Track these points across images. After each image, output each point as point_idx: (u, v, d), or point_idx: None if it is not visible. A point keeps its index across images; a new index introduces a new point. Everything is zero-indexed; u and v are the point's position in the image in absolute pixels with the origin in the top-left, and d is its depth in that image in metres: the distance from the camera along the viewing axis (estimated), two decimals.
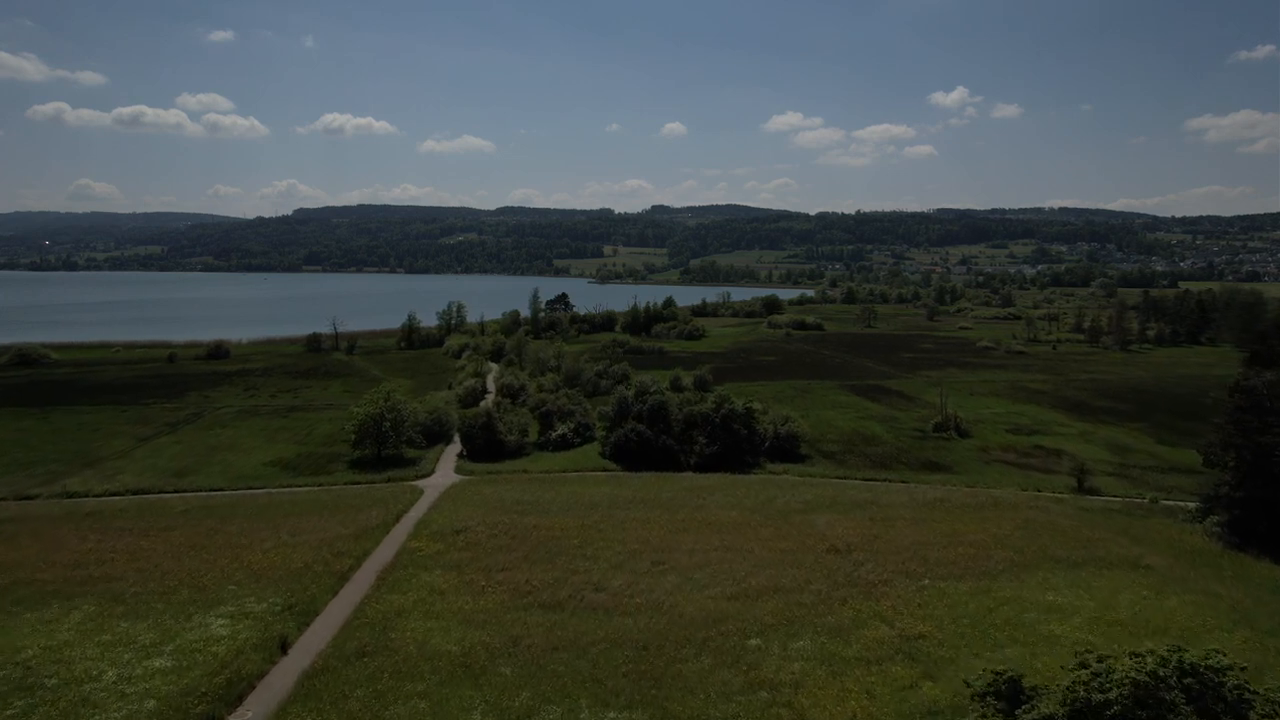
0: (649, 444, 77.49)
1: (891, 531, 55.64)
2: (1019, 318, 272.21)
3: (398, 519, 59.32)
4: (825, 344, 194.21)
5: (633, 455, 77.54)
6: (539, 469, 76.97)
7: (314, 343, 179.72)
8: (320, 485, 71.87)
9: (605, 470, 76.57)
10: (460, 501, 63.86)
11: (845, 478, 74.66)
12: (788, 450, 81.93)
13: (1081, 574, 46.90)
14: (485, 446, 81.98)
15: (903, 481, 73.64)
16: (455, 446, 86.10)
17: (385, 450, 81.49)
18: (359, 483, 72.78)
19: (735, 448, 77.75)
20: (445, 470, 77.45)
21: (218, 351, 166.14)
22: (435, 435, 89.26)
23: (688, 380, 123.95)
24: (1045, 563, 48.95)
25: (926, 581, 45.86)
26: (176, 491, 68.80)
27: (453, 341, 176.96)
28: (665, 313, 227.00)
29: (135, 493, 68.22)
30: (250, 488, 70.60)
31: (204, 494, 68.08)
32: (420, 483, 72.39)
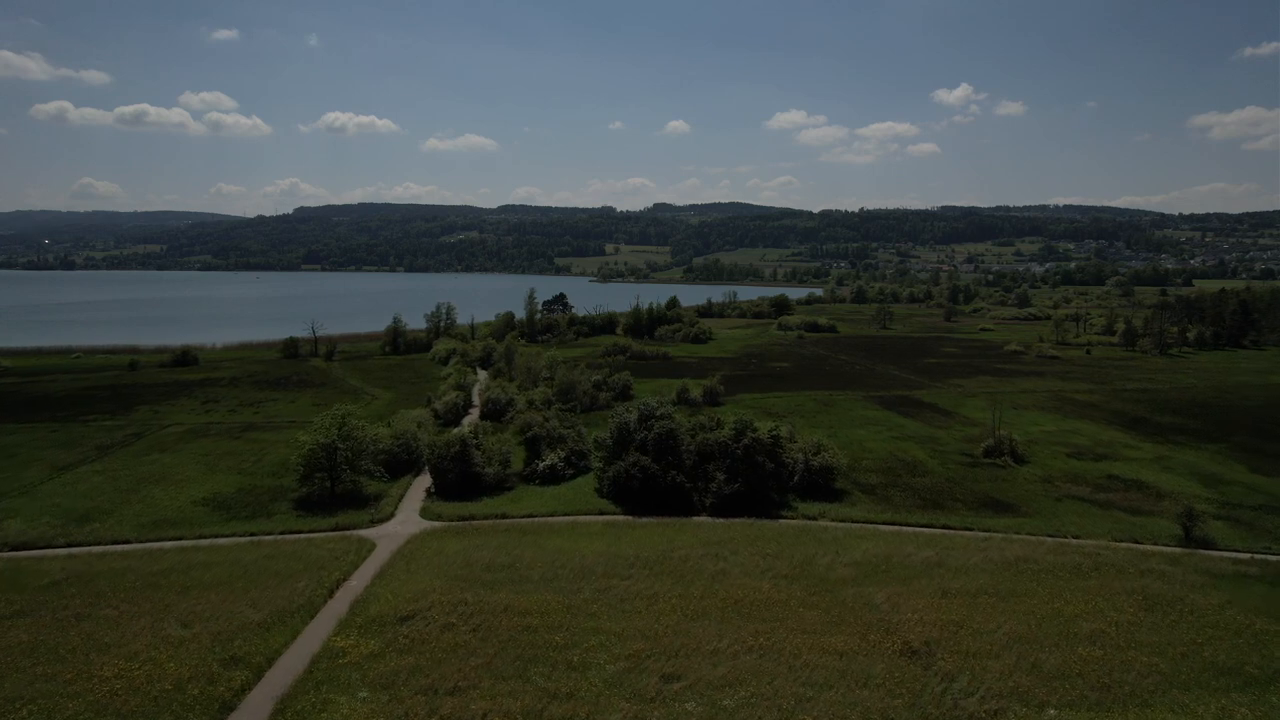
0: (655, 480, 63.81)
1: (977, 616, 42.06)
2: (1040, 318, 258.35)
3: (331, 593, 45.82)
4: (841, 348, 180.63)
5: (635, 495, 63.86)
6: (521, 511, 63.34)
7: (291, 348, 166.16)
8: (251, 535, 58.26)
9: (602, 514, 62.87)
10: (416, 565, 50.28)
11: (895, 524, 60.97)
12: (821, 485, 68.29)
13: (1273, 699, 33.31)
14: (459, 481, 68.43)
15: (966, 529, 59.98)
16: (425, 478, 72.59)
17: (339, 486, 68.00)
18: (299, 531, 59.16)
19: (760, 484, 64.13)
20: (408, 513, 63.84)
21: (184, 358, 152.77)
22: (403, 464, 75.74)
23: (697, 392, 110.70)
24: (1209, 675, 35.36)
25: (1053, 712, 32.31)
26: (68, 546, 55.24)
27: (440, 346, 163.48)
28: (669, 314, 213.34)
29: (16, 548, 54.53)
30: (163, 539, 57.02)
31: (100, 549, 54.50)
32: (374, 532, 58.84)
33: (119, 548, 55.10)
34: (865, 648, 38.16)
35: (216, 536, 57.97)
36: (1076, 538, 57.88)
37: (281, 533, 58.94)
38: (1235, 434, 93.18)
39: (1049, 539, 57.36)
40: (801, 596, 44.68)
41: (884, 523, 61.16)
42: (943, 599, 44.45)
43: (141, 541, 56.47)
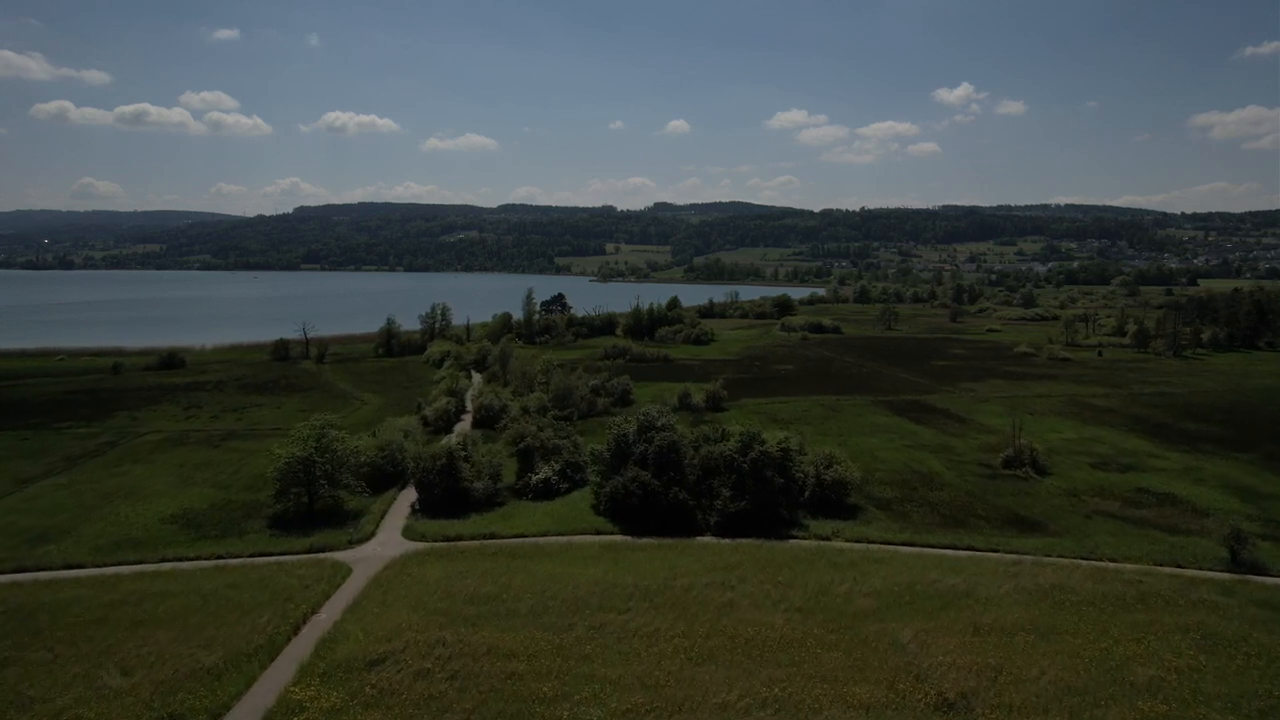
0: (656, 498, 59.23)
1: (1016, 658, 37.50)
2: (1047, 318, 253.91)
3: (297, 629, 41.30)
4: (846, 349, 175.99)
5: (634, 513, 59.26)
6: (512, 531, 58.76)
7: (281, 350, 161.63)
8: (219, 558, 53.76)
9: (599, 533, 58.31)
10: (393, 596, 45.72)
11: (915, 545, 56.35)
12: (833, 501, 63.69)
13: None
14: (446, 496, 63.86)
15: (992, 550, 55.37)
16: (411, 492, 67.98)
17: (318, 502, 63.45)
18: (271, 553, 54.64)
19: (768, 501, 59.53)
20: (390, 532, 59.29)
21: (170, 360, 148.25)
22: (388, 477, 71.22)
23: (699, 397, 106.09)
24: None
25: None
26: (14, 571, 50.61)
27: (434, 349, 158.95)
28: (670, 314, 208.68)
29: None
30: (121, 563, 52.50)
31: (49, 576, 49.96)
32: (351, 554, 54.30)
33: (71, 574, 50.53)
34: (894, 700, 33.62)
35: (180, 560, 53.45)
36: (1113, 560, 53.29)
37: (251, 555, 54.40)
38: (1264, 442, 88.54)
39: (1083, 562, 52.80)
40: (819, 634, 40.11)
41: (903, 543, 56.57)
42: (975, 637, 39.90)
43: (97, 566, 51.92)
